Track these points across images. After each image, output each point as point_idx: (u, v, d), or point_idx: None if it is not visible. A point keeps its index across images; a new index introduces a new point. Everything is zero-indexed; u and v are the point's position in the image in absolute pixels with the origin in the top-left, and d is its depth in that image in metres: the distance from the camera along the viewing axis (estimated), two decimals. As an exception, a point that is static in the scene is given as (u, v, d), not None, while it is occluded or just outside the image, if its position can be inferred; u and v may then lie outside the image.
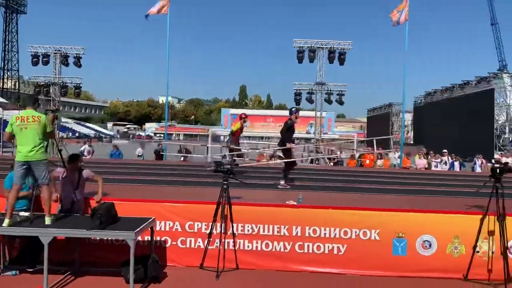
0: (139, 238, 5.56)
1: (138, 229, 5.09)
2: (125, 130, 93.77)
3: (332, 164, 20.23)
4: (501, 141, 32.90)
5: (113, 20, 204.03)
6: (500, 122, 35.01)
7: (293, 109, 8.84)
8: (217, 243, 5.87)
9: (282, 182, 8.53)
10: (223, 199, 5.85)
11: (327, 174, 12.01)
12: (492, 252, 5.77)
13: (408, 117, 51.61)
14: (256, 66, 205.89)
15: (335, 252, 6.09)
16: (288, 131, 8.59)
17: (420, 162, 16.85)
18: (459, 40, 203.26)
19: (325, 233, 6.12)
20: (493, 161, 6.40)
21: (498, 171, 5.73)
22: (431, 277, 5.92)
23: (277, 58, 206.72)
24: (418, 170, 16.14)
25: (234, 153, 11.41)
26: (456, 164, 16.97)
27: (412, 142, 48.96)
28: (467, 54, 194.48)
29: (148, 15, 18.46)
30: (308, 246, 6.12)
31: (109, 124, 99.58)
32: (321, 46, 22.51)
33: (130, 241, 4.95)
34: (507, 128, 35.22)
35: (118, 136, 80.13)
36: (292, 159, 8.84)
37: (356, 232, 6.09)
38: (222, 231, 5.84)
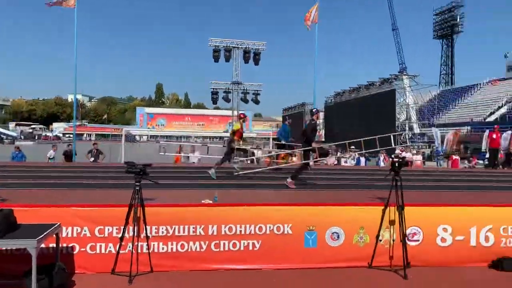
0: (43, 246, 5.18)
1: (41, 237, 4.73)
2: (30, 130, 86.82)
3: (249, 162, 20.57)
4: (401, 137, 35.84)
5: (13, 9, 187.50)
6: (401, 120, 38.14)
7: (314, 110, 9.08)
8: (129, 247, 5.66)
9: (289, 180, 8.55)
10: (136, 201, 5.65)
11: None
12: (393, 240, 6.20)
13: (320, 116, 54.07)
14: (174, 64, 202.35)
15: (251, 248, 6.18)
16: (312, 131, 8.77)
17: (330, 158, 17.79)
18: (366, 43, 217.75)
19: (240, 230, 6.18)
20: (393, 156, 6.93)
21: (397, 165, 6.23)
22: (339, 267, 6.24)
23: (195, 56, 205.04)
24: (329, 166, 17.02)
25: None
26: (362, 159, 18.19)
27: (323, 139, 51.41)
28: (374, 56, 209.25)
29: (50, 3, 17.18)
30: (224, 244, 6.14)
31: (11, 124, 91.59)
32: (236, 46, 22.76)
33: (31, 249, 4.58)
34: (407, 126, 38.47)
35: (22, 137, 74.00)
36: (307, 161, 8.86)
37: (270, 227, 6.24)
38: (135, 234, 5.64)
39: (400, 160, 6.27)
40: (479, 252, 6.58)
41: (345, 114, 41.37)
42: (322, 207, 6.49)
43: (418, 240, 6.51)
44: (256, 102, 24.58)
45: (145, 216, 5.71)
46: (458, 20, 79.99)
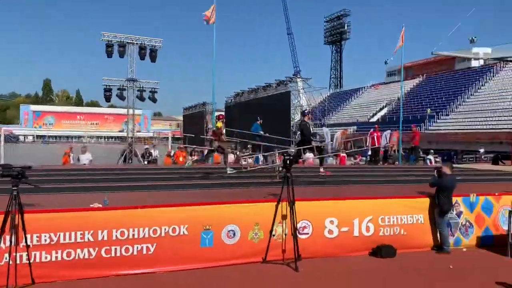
0: None
1: None
2: None
3: (146, 162, 19.97)
4: (296, 137, 37.62)
5: None
6: (295, 120, 40.05)
7: (305, 111, 9.86)
8: (6, 258, 5.11)
9: (321, 169, 9.55)
10: (13, 207, 5.12)
11: (139, 173, 11.75)
12: (285, 234, 6.47)
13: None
14: (64, 60, 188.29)
15: (144, 252, 5.97)
16: (307, 130, 9.64)
17: (230, 157, 17.99)
18: (266, 46, 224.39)
19: (133, 234, 5.94)
20: (284, 154, 7.25)
21: (288, 162, 6.52)
22: (236, 264, 6.33)
23: (87, 52, 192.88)
24: (228, 164, 17.17)
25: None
26: (260, 157, 18.72)
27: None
28: (272, 58, 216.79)
29: None
30: (115, 249, 5.85)
31: None
32: (131, 41, 21.81)
33: None
34: (301, 125, 40.61)
35: None
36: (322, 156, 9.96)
37: (165, 229, 6.09)
38: (13, 244, 5.11)
39: (291, 157, 6.58)
40: (361, 242, 7.18)
41: (245, 114, 42.15)
42: (218, 206, 6.54)
43: (308, 233, 6.86)
44: (154, 100, 23.77)
45: (24, 223, 5.20)
46: (346, 27, 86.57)
